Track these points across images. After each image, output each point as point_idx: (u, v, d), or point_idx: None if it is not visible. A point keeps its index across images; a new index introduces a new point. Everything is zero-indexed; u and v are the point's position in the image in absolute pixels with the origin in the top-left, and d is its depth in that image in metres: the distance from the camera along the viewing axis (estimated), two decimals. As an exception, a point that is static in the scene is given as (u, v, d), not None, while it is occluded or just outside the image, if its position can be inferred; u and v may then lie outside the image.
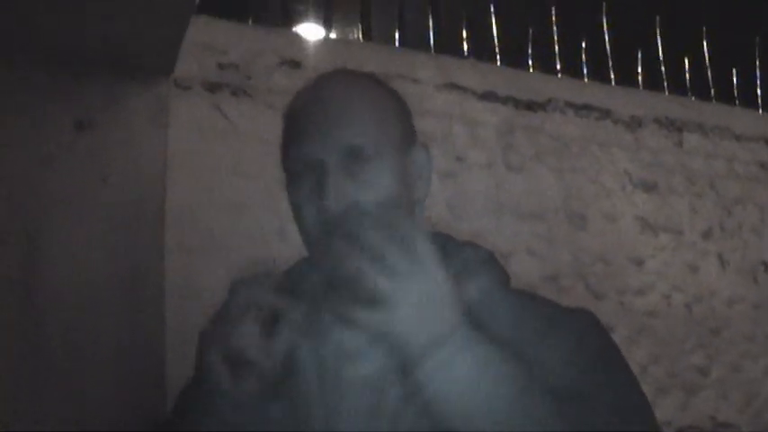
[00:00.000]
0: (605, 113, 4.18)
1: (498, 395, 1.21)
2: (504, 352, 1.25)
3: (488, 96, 3.85)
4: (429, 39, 4.12)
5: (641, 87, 4.63)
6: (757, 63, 5.13)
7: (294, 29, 3.82)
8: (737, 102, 4.94)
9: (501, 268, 1.50)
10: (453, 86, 3.75)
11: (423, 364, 1.21)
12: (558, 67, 4.41)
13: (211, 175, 3.03)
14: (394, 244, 1.22)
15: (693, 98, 4.74)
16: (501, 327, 1.35)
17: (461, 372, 1.21)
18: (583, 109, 4.11)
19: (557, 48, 4.45)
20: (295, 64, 3.37)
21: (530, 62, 4.38)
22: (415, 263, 1.22)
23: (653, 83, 4.66)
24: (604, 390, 1.31)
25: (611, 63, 4.60)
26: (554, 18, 4.50)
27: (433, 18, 4.16)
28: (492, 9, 4.34)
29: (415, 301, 1.21)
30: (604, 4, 4.68)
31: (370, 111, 1.40)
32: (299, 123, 1.43)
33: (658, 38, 4.81)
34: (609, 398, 1.29)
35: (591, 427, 1.23)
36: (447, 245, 1.48)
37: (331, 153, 1.36)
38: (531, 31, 4.44)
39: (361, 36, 3.98)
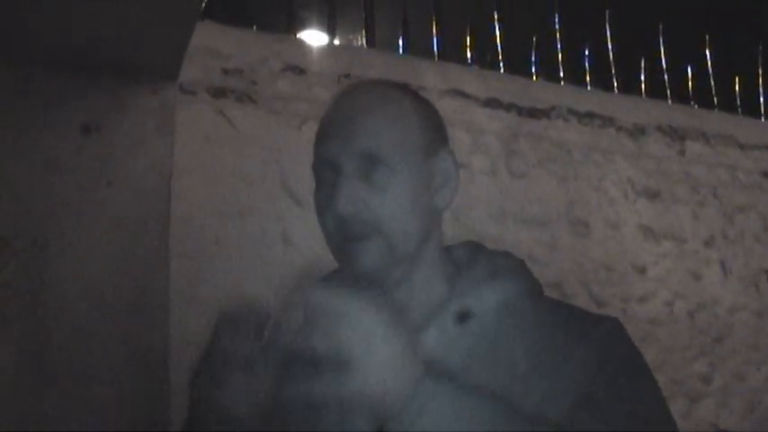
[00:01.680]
0: (608, 121, 4.19)
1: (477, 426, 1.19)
2: (473, 392, 1.22)
3: (492, 103, 3.85)
4: (433, 46, 4.13)
5: (644, 95, 4.64)
6: (760, 72, 5.14)
7: (298, 35, 3.82)
8: (740, 110, 4.94)
9: (531, 276, 1.51)
10: (457, 93, 3.75)
11: (398, 418, 1.16)
12: (562, 74, 4.42)
13: (216, 181, 3.03)
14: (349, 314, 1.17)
15: (696, 106, 4.74)
16: (524, 332, 1.37)
17: (437, 416, 1.17)
18: (586, 117, 4.12)
19: (560, 55, 4.46)
20: (299, 70, 3.37)
21: (533, 69, 4.39)
22: (372, 323, 1.16)
23: (656, 91, 4.67)
24: (625, 398, 1.32)
25: (614, 71, 4.61)
26: (557, 26, 4.51)
27: (436, 25, 4.17)
28: (496, 16, 4.35)
29: (378, 360, 1.15)
30: (608, 12, 4.68)
31: (389, 119, 1.41)
32: (324, 129, 1.46)
33: (661, 46, 4.82)
34: (629, 406, 1.31)
35: None
36: (478, 253, 1.50)
37: (348, 157, 1.38)
38: (534, 38, 4.45)
39: (365, 42, 3.98)
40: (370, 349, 1.14)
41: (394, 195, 1.38)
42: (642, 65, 4.73)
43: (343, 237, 1.38)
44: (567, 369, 1.32)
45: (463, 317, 1.39)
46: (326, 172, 1.41)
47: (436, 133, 1.49)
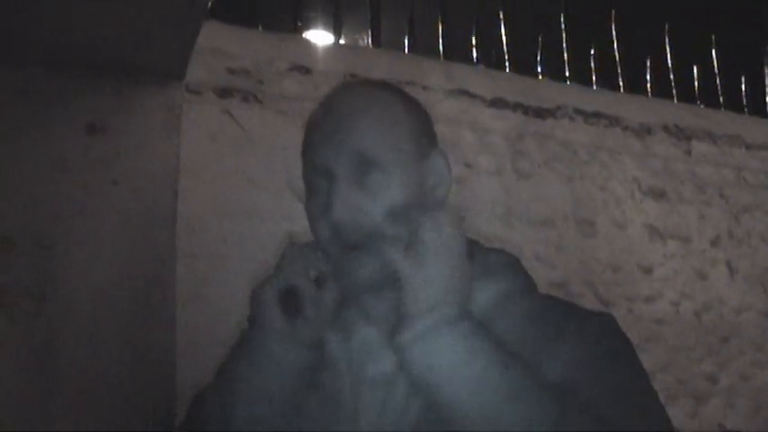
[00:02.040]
0: (614, 121, 4.18)
1: (486, 381, 1.23)
2: (501, 347, 1.28)
3: (498, 103, 3.85)
4: (439, 45, 4.13)
5: (650, 95, 4.64)
6: (766, 71, 5.13)
7: (304, 35, 3.83)
8: (747, 110, 4.94)
9: (525, 274, 1.50)
10: (463, 93, 3.75)
11: (413, 327, 1.26)
12: (568, 74, 4.42)
13: (222, 181, 3.03)
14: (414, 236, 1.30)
15: (703, 106, 4.74)
16: (515, 328, 1.36)
17: (448, 345, 1.25)
18: (592, 116, 4.11)
19: (566, 55, 4.45)
20: (305, 70, 3.37)
21: (539, 69, 4.38)
22: (438, 249, 1.29)
23: (662, 91, 4.67)
24: (615, 391, 1.31)
25: (620, 70, 4.60)
26: (563, 25, 4.51)
27: (442, 25, 4.17)
28: (501, 16, 4.35)
29: (428, 274, 1.29)
30: (614, 11, 4.68)
31: (380, 120, 1.40)
32: (313, 133, 1.44)
33: (667, 46, 4.81)
34: (619, 400, 1.30)
35: (598, 426, 1.23)
36: (473, 249, 1.49)
37: (340, 162, 1.36)
38: (540, 38, 4.45)
39: (370, 42, 3.98)
40: (426, 264, 1.30)
41: (389, 199, 1.36)
42: (648, 64, 4.72)
43: (341, 245, 1.36)
44: (556, 365, 1.31)
45: (460, 317, 1.37)
46: (318, 179, 1.40)
47: (427, 133, 1.48)
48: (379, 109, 1.41)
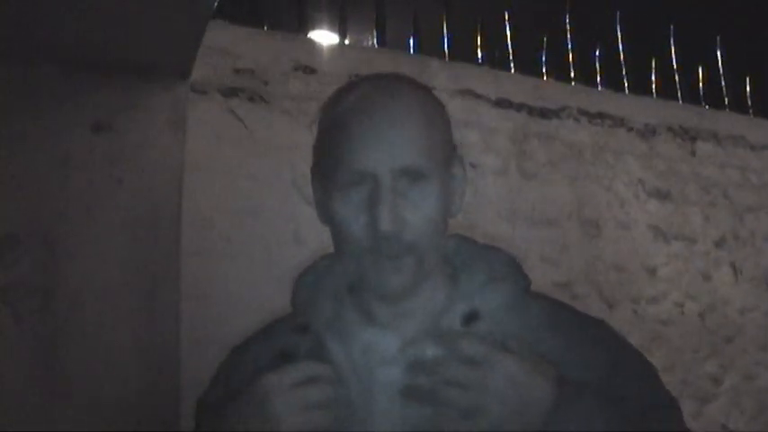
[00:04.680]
0: (619, 121, 4.18)
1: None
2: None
3: (502, 103, 3.85)
4: (443, 45, 4.13)
5: (655, 96, 4.63)
6: (771, 72, 5.13)
7: (309, 35, 3.83)
8: (751, 111, 4.93)
9: (523, 273, 1.50)
10: (467, 93, 3.75)
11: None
12: (572, 74, 4.41)
13: (226, 180, 3.04)
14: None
15: (707, 107, 4.73)
16: (525, 331, 1.37)
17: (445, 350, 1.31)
18: (596, 117, 4.11)
19: (571, 55, 4.45)
20: (310, 70, 3.37)
21: (544, 70, 4.38)
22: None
23: (667, 91, 4.66)
24: (634, 389, 1.36)
25: (624, 71, 4.60)
26: (568, 26, 4.51)
27: (447, 25, 4.17)
28: (506, 16, 4.35)
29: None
30: (618, 12, 4.68)
31: (423, 129, 1.37)
32: (350, 131, 1.37)
33: (672, 46, 4.81)
34: (640, 396, 1.36)
35: (624, 425, 1.28)
36: (469, 248, 1.50)
37: (386, 170, 1.33)
38: (545, 38, 4.45)
39: (375, 42, 3.98)
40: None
41: (428, 211, 1.36)
42: (653, 65, 4.72)
43: (378, 251, 1.34)
44: (580, 370, 1.33)
45: (470, 318, 1.38)
46: (356, 182, 1.35)
47: (451, 137, 1.47)
48: (418, 114, 1.38)
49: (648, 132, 4.26)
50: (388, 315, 1.40)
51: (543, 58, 4.41)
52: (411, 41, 4.10)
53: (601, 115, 4.13)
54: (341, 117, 1.40)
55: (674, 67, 4.78)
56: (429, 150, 1.37)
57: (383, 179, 1.33)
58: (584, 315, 1.48)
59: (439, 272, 1.45)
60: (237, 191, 3.05)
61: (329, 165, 1.40)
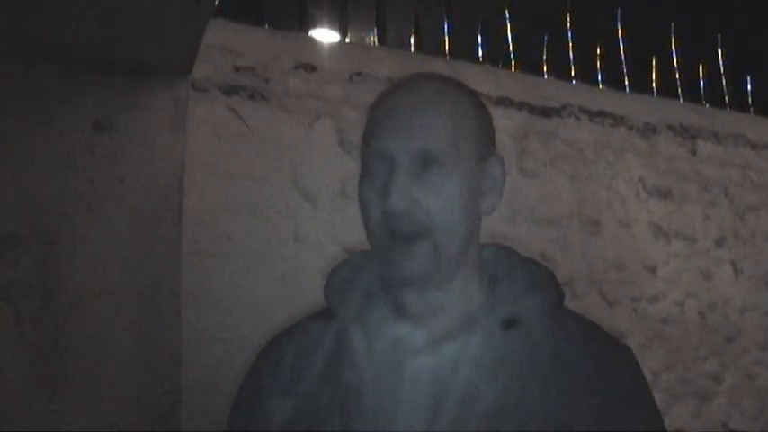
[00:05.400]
0: (620, 120, 4.18)
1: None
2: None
3: (503, 102, 3.85)
4: (444, 44, 4.13)
5: (656, 94, 4.64)
6: (772, 71, 5.13)
7: (310, 33, 3.83)
8: (752, 109, 4.94)
9: (561, 287, 1.50)
10: (468, 92, 3.74)
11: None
12: (573, 73, 4.42)
13: (228, 178, 3.04)
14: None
15: (708, 105, 4.73)
16: (563, 346, 1.39)
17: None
18: (597, 115, 4.11)
19: (571, 54, 4.45)
20: (311, 68, 3.37)
21: (545, 68, 4.38)
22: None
23: (667, 90, 4.66)
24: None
25: (625, 70, 4.60)
26: (569, 24, 4.51)
27: (448, 23, 4.17)
28: (507, 15, 4.35)
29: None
30: (619, 11, 4.68)
31: (449, 118, 1.39)
32: (380, 119, 1.42)
33: (673, 45, 4.81)
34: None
35: None
36: (509, 257, 1.52)
37: (403, 153, 1.36)
38: (546, 37, 4.45)
39: (376, 41, 3.98)
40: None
41: (446, 197, 1.36)
42: (654, 64, 4.72)
43: (391, 233, 1.36)
44: (611, 395, 1.36)
45: (510, 323, 1.39)
46: (378, 165, 1.39)
47: (488, 137, 1.48)
48: (448, 106, 1.41)
49: (649, 131, 4.26)
50: (418, 307, 1.41)
51: (544, 57, 4.41)
52: (412, 40, 4.11)
53: (601, 114, 4.13)
54: (382, 106, 1.44)
55: (675, 65, 4.79)
56: (453, 141, 1.38)
57: (399, 160, 1.36)
58: (611, 336, 1.50)
59: (475, 271, 1.46)
60: (238, 189, 3.05)
61: (365, 150, 1.44)
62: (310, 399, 1.41)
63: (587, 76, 4.45)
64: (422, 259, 1.36)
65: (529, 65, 4.29)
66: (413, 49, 4.08)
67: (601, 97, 4.24)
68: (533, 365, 1.35)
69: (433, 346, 1.37)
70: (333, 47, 3.64)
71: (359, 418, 1.36)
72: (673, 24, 4.81)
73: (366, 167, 1.42)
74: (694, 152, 4.38)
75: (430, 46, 4.08)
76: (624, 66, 4.62)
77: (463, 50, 4.12)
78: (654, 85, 4.69)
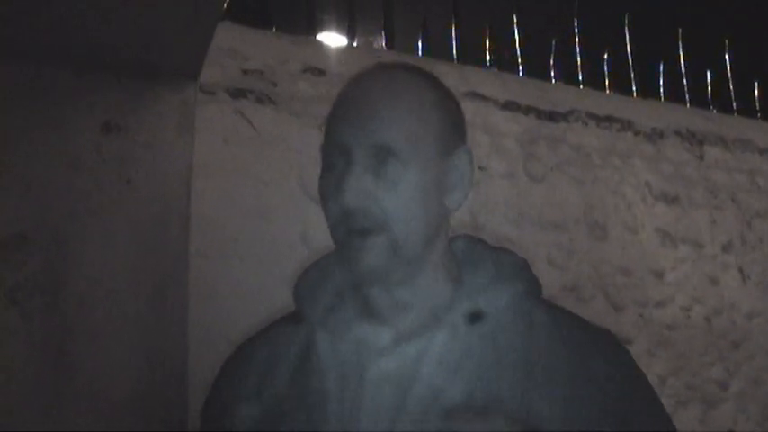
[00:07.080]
0: (627, 125, 4.18)
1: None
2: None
3: (510, 106, 3.85)
4: (452, 48, 4.13)
5: (663, 99, 4.64)
6: (779, 76, 5.13)
7: (318, 37, 3.83)
8: (759, 115, 4.93)
9: (534, 277, 1.49)
10: (476, 96, 3.75)
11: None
12: (581, 78, 4.42)
13: (235, 182, 3.04)
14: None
15: (715, 111, 4.74)
16: (536, 336, 1.37)
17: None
18: (604, 120, 4.11)
19: (579, 59, 4.46)
20: (319, 72, 3.38)
21: (552, 73, 4.38)
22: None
23: (675, 95, 4.67)
24: (638, 412, 1.38)
25: (633, 75, 4.60)
26: (577, 29, 4.51)
27: (455, 27, 4.17)
28: (515, 20, 4.35)
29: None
30: (627, 16, 4.68)
31: (409, 110, 1.37)
32: (339, 109, 1.41)
33: (680, 50, 4.81)
34: (644, 421, 1.37)
35: None
36: (478, 248, 1.49)
37: (360, 147, 1.34)
38: (553, 42, 4.45)
39: (384, 44, 3.99)
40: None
41: (404, 192, 1.34)
42: (661, 69, 4.72)
43: (348, 229, 1.34)
44: (585, 382, 1.34)
45: (474, 317, 1.37)
46: (335, 156, 1.37)
47: (454, 129, 1.45)
48: (408, 97, 1.38)
49: (656, 136, 4.26)
50: (384, 305, 1.39)
51: (551, 62, 4.41)
52: (419, 44, 4.11)
53: (609, 119, 4.13)
54: (342, 95, 1.43)
55: (683, 70, 4.79)
56: (412, 134, 1.36)
57: (355, 152, 1.34)
58: (590, 325, 1.47)
59: (442, 266, 1.43)
60: (246, 192, 3.05)
61: (324, 140, 1.42)
62: (277, 405, 1.39)
63: (595, 82, 4.45)
64: (376, 253, 1.33)
65: (536, 69, 4.29)
66: (420, 53, 4.09)
67: (608, 102, 4.24)
68: (499, 359, 1.33)
69: (397, 345, 1.36)
70: (341, 51, 3.65)
71: (323, 423, 1.34)
72: (680, 30, 4.81)
73: (325, 160, 1.40)
74: (701, 157, 4.38)
75: (437, 50, 4.08)
76: (632, 71, 4.62)
77: (471, 55, 4.13)
78: (661, 90, 4.69)
